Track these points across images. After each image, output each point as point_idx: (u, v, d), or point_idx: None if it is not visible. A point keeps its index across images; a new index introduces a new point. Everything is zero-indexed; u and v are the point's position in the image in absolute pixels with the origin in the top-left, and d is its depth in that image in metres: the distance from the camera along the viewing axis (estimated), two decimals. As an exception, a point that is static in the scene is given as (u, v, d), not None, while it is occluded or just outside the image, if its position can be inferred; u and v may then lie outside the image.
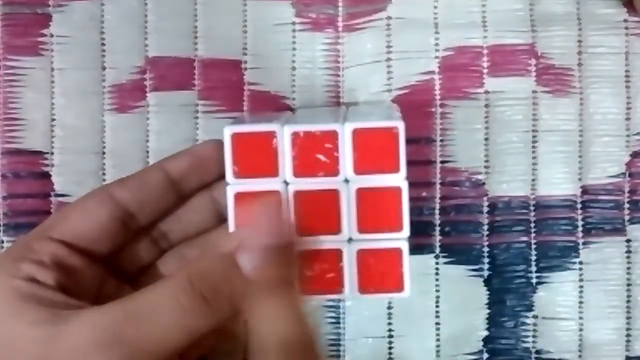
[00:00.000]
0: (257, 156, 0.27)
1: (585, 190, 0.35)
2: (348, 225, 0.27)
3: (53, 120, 0.35)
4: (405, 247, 0.28)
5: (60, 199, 0.35)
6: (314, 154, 0.27)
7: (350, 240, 0.28)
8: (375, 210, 0.27)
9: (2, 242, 0.35)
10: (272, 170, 0.27)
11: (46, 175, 0.35)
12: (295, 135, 0.27)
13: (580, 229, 0.35)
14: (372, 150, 0.27)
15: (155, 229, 0.31)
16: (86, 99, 0.35)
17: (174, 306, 0.26)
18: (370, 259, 0.28)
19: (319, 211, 0.27)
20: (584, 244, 0.35)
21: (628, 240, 0.35)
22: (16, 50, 0.35)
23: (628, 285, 0.35)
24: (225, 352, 0.34)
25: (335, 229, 0.27)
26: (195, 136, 0.35)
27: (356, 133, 0.27)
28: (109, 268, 0.30)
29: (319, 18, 0.35)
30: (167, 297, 0.26)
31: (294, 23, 0.35)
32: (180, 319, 0.26)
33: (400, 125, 0.27)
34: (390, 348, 0.35)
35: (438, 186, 0.35)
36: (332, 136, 0.27)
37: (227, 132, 0.27)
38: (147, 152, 0.35)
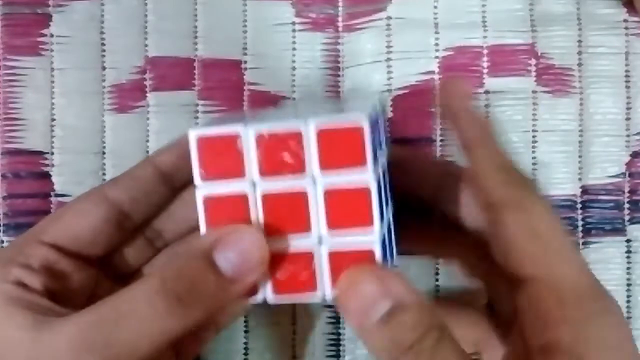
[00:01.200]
0: (223, 158, 0.26)
1: (585, 190, 0.35)
2: (318, 226, 0.27)
3: (53, 120, 0.35)
4: (377, 246, 0.27)
5: (60, 199, 0.35)
6: (280, 153, 0.26)
7: (320, 240, 0.27)
8: (344, 208, 0.27)
9: (2, 242, 0.35)
10: (238, 172, 0.26)
11: (46, 175, 0.35)
12: (259, 136, 0.26)
13: (580, 229, 0.35)
14: (338, 149, 0.26)
15: (149, 228, 0.31)
16: (86, 99, 0.35)
17: (146, 308, 0.25)
18: (343, 259, 0.28)
19: (288, 211, 0.27)
20: (583, 244, 0.35)
21: (628, 241, 0.35)
22: (16, 50, 0.35)
23: (628, 285, 0.35)
24: (225, 351, 0.35)
25: (305, 228, 0.27)
26: (195, 136, 0.35)
27: (320, 132, 0.26)
28: (104, 269, 0.30)
29: (319, 18, 0.35)
30: (140, 300, 0.25)
31: (294, 23, 0.35)
32: (153, 321, 0.25)
33: (364, 123, 0.26)
34: (390, 348, 0.35)
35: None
36: (296, 136, 0.26)
37: (192, 136, 0.26)
38: (147, 152, 0.35)
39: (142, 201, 0.30)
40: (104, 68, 0.35)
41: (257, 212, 0.27)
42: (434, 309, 0.25)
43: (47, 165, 0.35)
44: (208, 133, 0.27)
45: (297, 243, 0.27)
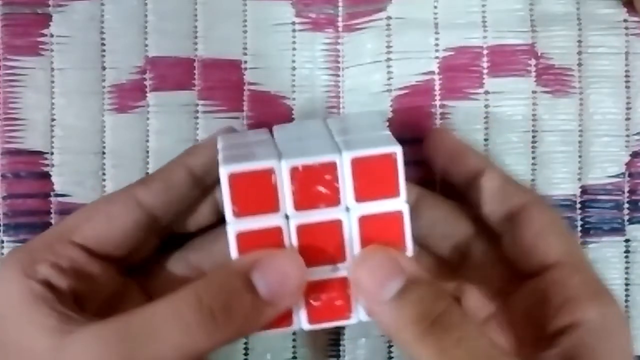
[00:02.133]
0: (256, 194, 0.26)
1: (584, 191, 0.35)
2: (352, 253, 0.27)
3: (53, 120, 0.35)
4: None
5: (60, 199, 0.35)
6: (314, 186, 0.26)
7: None
8: (378, 235, 0.27)
9: (2, 242, 0.35)
10: (272, 206, 0.26)
11: (46, 175, 0.35)
12: (294, 169, 0.26)
13: (579, 229, 0.35)
14: (372, 177, 0.26)
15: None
16: (86, 99, 0.35)
17: (177, 324, 0.25)
18: None
19: (324, 242, 0.27)
20: (582, 243, 0.35)
21: (627, 240, 0.35)
22: (16, 50, 0.34)
23: (627, 285, 0.35)
24: (226, 351, 0.35)
25: (341, 258, 0.27)
26: (195, 136, 0.35)
27: (355, 162, 0.26)
28: (119, 266, 0.30)
29: (319, 18, 0.35)
30: (171, 314, 0.25)
31: (294, 23, 0.35)
32: (184, 337, 0.25)
33: (398, 150, 0.27)
34: (389, 348, 0.35)
35: (438, 186, 0.35)
36: (331, 167, 0.26)
37: (224, 172, 0.26)
38: (147, 152, 0.35)
39: (174, 206, 0.30)
40: (104, 68, 0.35)
41: (291, 243, 0.27)
42: (443, 285, 0.27)
43: (47, 165, 0.35)
44: (240, 169, 0.26)
45: (332, 271, 0.27)
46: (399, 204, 0.27)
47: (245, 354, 0.35)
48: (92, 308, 0.28)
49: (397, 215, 0.27)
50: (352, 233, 0.27)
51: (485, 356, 0.25)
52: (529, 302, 0.28)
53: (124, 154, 0.35)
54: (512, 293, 0.29)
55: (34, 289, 0.27)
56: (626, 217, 0.35)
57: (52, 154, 0.35)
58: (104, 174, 0.35)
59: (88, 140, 0.35)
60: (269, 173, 0.26)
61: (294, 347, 0.35)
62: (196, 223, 0.31)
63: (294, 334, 0.35)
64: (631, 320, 0.35)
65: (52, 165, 0.35)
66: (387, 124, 0.35)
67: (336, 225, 0.27)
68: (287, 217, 0.27)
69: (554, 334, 0.26)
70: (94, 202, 0.30)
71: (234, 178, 0.26)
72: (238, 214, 0.26)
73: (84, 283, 0.28)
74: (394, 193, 0.27)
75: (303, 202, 0.26)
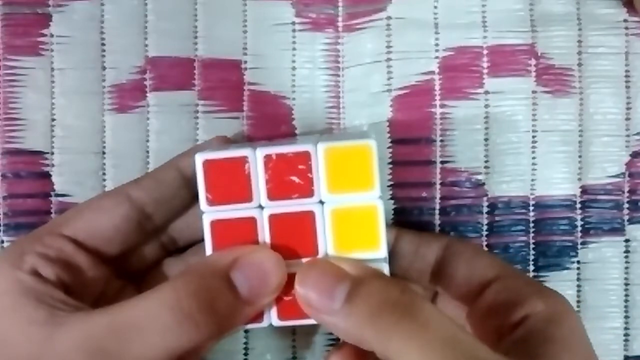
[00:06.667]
0: (230, 182, 0.26)
1: (584, 190, 0.35)
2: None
3: (53, 120, 0.35)
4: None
5: (60, 199, 0.35)
6: (288, 176, 0.26)
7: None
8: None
9: (2, 242, 0.35)
10: (246, 196, 0.26)
11: (46, 175, 0.35)
12: (267, 158, 0.26)
13: (579, 228, 0.35)
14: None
15: (164, 233, 0.31)
16: (86, 99, 0.35)
17: (157, 323, 0.25)
18: None
19: (296, 234, 0.27)
20: (582, 243, 0.35)
21: (627, 240, 0.35)
22: (16, 50, 0.34)
23: (626, 285, 0.35)
24: (225, 351, 0.35)
25: (313, 252, 0.27)
26: (195, 136, 0.35)
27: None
28: (116, 268, 0.30)
29: (319, 18, 0.35)
30: (153, 312, 0.25)
31: (294, 23, 0.35)
32: (163, 337, 0.25)
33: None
34: (389, 348, 0.35)
35: (438, 186, 0.35)
36: (305, 157, 0.26)
37: (199, 160, 0.27)
38: (147, 152, 0.35)
39: (164, 204, 0.30)
40: (104, 68, 0.35)
41: (264, 235, 0.27)
42: (389, 277, 0.27)
43: (47, 165, 0.35)
44: (215, 156, 0.26)
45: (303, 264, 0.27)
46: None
47: (245, 354, 0.35)
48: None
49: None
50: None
51: (455, 337, 0.24)
52: (482, 314, 0.29)
53: (124, 154, 0.35)
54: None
55: (22, 279, 0.27)
56: (626, 217, 0.35)
57: (52, 154, 0.35)
58: (104, 174, 0.35)
59: (88, 140, 0.35)
60: (242, 161, 0.26)
61: (293, 347, 0.35)
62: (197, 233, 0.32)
63: (294, 333, 0.35)
64: (631, 320, 0.35)
65: (52, 165, 0.35)
66: (387, 123, 0.35)
67: (309, 217, 0.27)
68: (261, 208, 0.27)
69: (510, 329, 0.27)
70: (86, 200, 0.31)
71: (208, 165, 0.26)
72: (212, 201, 0.27)
73: (72, 275, 0.28)
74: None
75: (277, 191, 0.26)
